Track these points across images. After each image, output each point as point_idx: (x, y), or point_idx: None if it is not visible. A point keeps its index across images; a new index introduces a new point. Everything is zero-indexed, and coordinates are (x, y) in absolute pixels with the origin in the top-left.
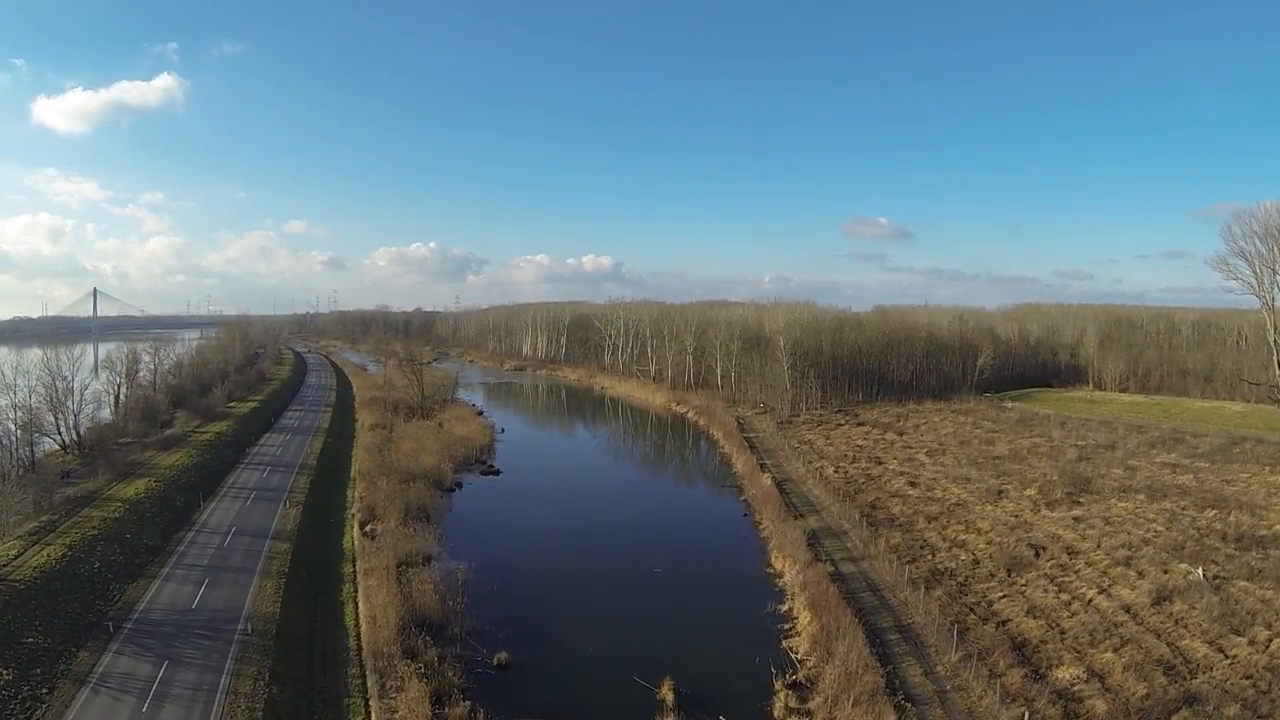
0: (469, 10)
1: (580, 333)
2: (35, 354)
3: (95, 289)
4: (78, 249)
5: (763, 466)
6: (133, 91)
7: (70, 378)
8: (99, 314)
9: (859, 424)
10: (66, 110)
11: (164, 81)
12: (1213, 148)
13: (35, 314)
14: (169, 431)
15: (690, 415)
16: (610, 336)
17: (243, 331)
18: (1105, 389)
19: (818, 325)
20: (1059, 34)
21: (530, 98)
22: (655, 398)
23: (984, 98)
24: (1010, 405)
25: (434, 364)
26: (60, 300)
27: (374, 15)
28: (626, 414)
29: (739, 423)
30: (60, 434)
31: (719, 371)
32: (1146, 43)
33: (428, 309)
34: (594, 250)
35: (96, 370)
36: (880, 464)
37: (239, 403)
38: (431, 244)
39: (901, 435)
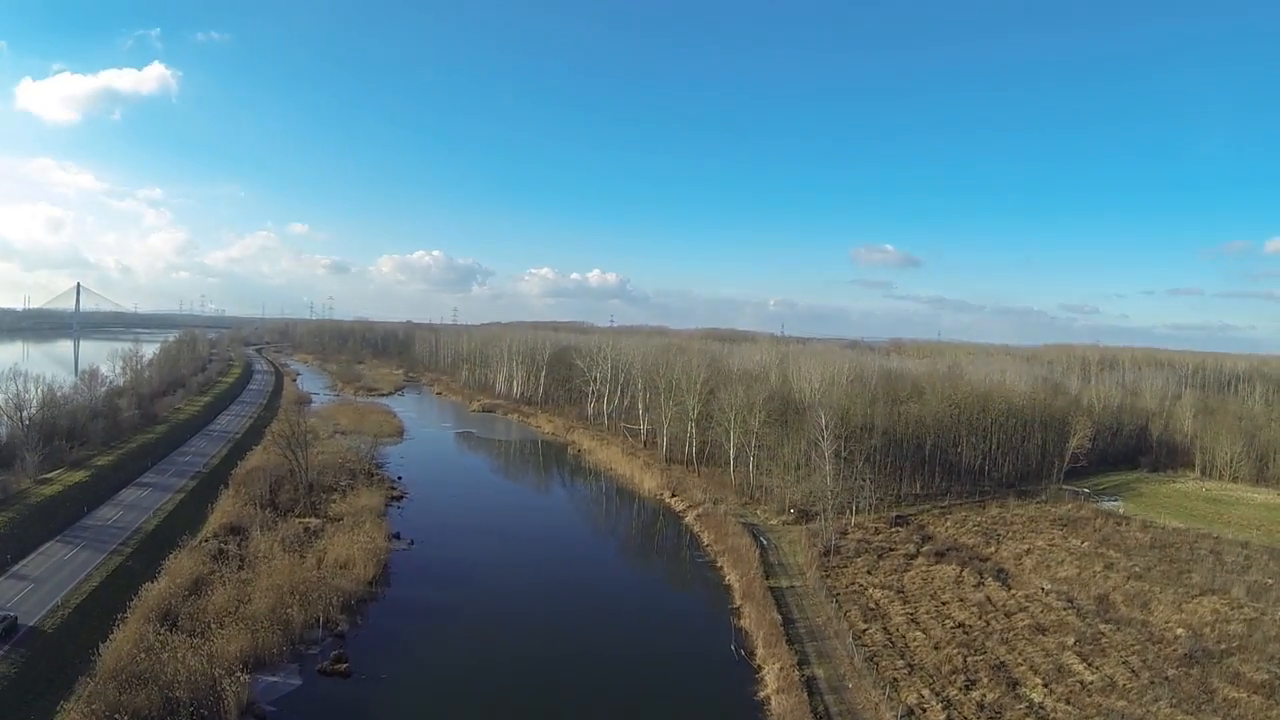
0: (476, 13)
1: (562, 370)
2: None
3: (79, 284)
4: (79, 240)
5: (812, 695)
6: (123, 79)
7: None
8: (86, 310)
9: (936, 553)
10: (54, 96)
11: (156, 71)
12: (1225, 187)
13: (37, 303)
14: None
15: (689, 519)
16: (595, 381)
17: (190, 345)
18: (1216, 477)
19: (864, 386)
20: (1074, 70)
21: (539, 102)
22: (644, 477)
23: (996, 128)
24: (1119, 507)
25: (400, 392)
26: (65, 291)
27: (379, 18)
28: (601, 499)
29: (761, 549)
30: None
31: (731, 449)
32: (1163, 82)
33: (428, 320)
34: (599, 265)
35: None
36: (1015, 686)
37: (68, 471)
38: (436, 252)
39: (1004, 578)
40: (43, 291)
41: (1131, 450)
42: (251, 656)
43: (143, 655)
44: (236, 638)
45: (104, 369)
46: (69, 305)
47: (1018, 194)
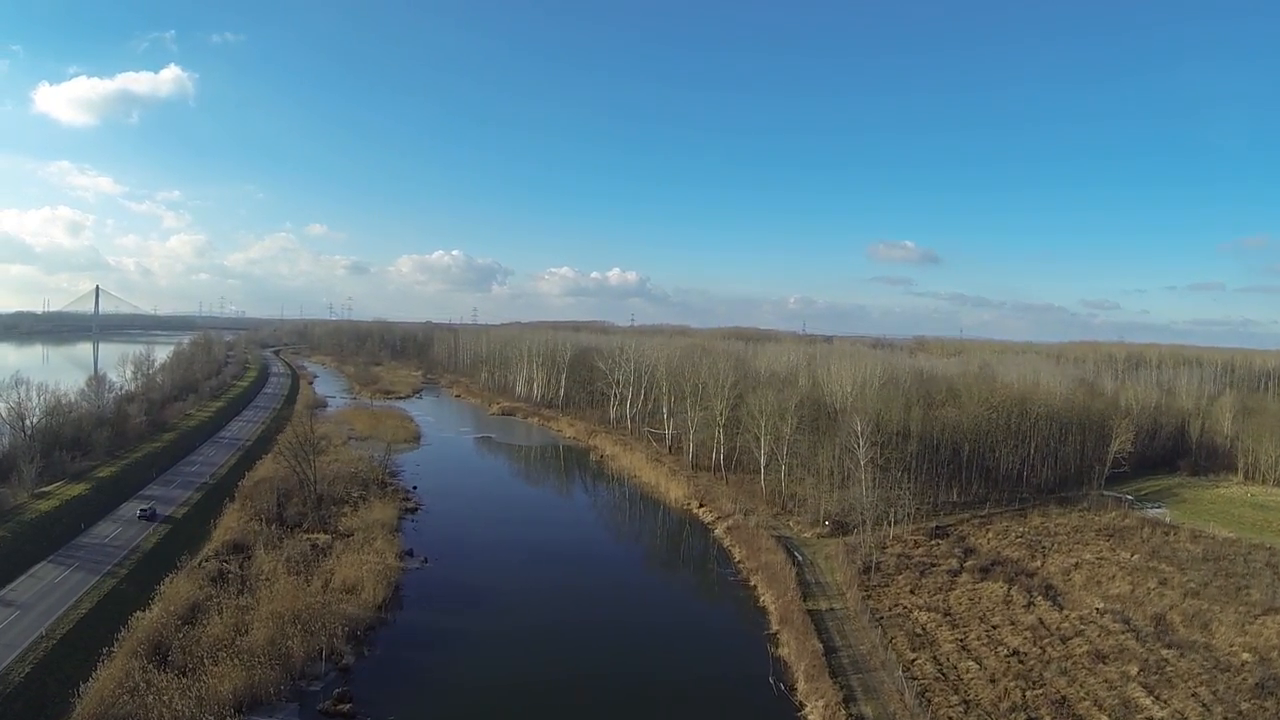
0: (492, 16)
1: (583, 372)
2: None
3: (98, 287)
4: (99, 243)
5: None
6: (139, 82)
7: None
8: (106, 313)
9: (980, 568)
10: (71, 100)
11: (172, 73)
12: (1244, 182)
13: (56, 306)
14: None
15: (719, 531)
16: (617, 384)
17: (205, 348)
18: (1260, 481)
19: (897, 388)
20: (1092, 65)
21: (556, 103)
22: (670, 485)
23: (1015, 124)
24: (1165, 515)
25: (418, 395)
26: (85, 294)
27: (394, 19)
28: (626, 511)
29: (796, 565)
30: None
31: (762, 456)
32: (1181, 77)
33: (448, 320)
34: (619, 264)
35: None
36: None
37: (69, 484)
38: (455, 252)
39: (1054, 597)
40: (64, 295)
41: (1169, 453)
42: (247, 696)
43: (126, 697)
44: (231, 675)
45: (113, 375)
46: (88, 308)
47: (1037, 189)
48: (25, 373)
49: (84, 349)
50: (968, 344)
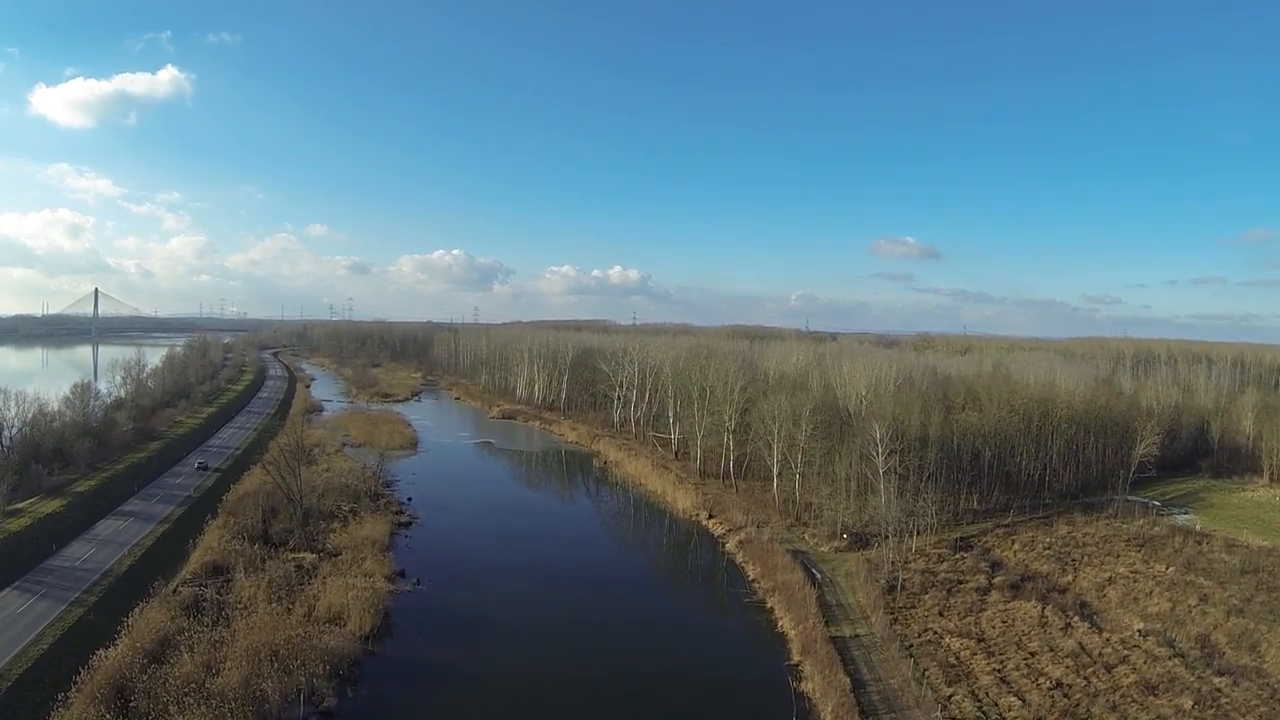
0: (491, 12)
1: (586, 373)
2: None
3: (96, 290)
4: (100, 245)
5: None
6: (136, 83)
7: None
8: (106, 315)
9: (1010, 585)
10: (68, 101)
11: (169, 74)
12: (1246, 175)
13: (55, 309)
14: None
15: (730, 546)
16: (621, 385)
17: (200, 351)
18: None
19: (914, 391)
20: (1093, 59)
21: (556, 100)
22: (678, 494)
23: (1016, 117)
24: (1193, 522)
25: (417, 398)
26: (84, 296)
27: (391, 17)
28: (632, 525)
29: (815, 584)
30: None
31: (774, 464)
32: (1183, 70)
33: (449, 320)
34: (620, 262)
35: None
36: None
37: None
38: (456, 251)
39: (1091, 617)
40: (65, 297)
41: (1189, 453)
42: None
43: None
44: None
45: (102, 384)
46: (88, 310)
47: (1039, 184)
48: (24, 376)
49: (84, 352)
50: (974, 340)
